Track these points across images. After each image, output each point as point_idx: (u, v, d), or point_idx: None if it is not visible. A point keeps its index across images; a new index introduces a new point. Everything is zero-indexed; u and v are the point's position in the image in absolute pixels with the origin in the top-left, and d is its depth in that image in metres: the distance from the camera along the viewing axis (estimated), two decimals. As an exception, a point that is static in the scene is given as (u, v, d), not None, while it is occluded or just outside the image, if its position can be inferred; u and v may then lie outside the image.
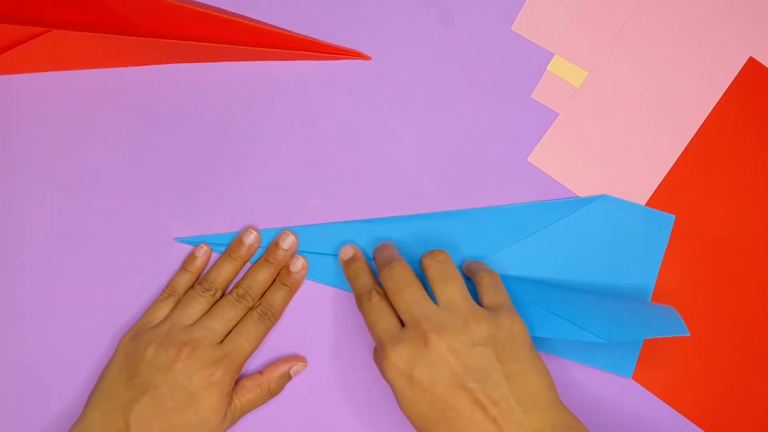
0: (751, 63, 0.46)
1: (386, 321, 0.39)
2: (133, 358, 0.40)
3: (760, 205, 0.45)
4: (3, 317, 0.45)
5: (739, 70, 0.46)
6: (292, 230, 0.44)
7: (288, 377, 0.43)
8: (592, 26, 0.46)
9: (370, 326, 0.39)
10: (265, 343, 0.44)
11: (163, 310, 0.43)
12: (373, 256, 0.43)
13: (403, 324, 0.38)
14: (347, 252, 0.44)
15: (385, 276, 0.40)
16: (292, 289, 0.44)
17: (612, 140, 0.46)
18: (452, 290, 0.38)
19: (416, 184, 0.46)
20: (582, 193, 0.46)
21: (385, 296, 0.40)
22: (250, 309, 0.43)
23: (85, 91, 0.46)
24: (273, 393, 0.43)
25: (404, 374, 0.36)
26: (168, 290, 0.43)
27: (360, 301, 0.41)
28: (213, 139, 0.46)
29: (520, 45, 0.47)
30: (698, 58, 0.46)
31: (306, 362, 0.44)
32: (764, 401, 0.44)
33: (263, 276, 0.43)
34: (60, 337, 0.44)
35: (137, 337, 0.41)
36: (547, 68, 0.46)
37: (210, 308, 0.42)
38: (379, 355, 0.38)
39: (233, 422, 0.42)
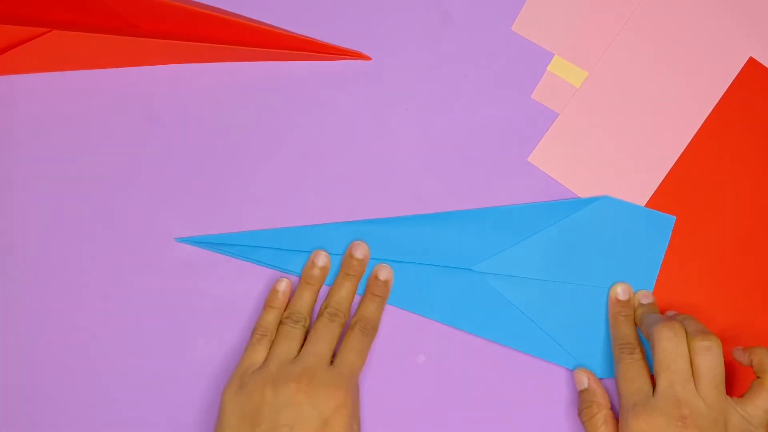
0: (751, 63, 0.46)
1: (643, 382, 0.40)
2: (249, 406, 0.39)
3: (760, 205, 0.45)
4: (3, 317, 0.44)
5: (739, 70, 0.46)
6: (362, 240, 0.44)
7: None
8: (592, 26, 0.46)
9: (625, 381, 0.41)
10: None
11: (261, 353, 0.42)
12: (643, 319, 0.43)
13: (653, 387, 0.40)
14: (624, 293, 0.44)
15: (665, 334, 0.40)
16: (384, 299, 0.44)
17: (612, 140, 0.46)
18: (717, 391, 0.39)
19: (416, 184, 0.46)
20: (582, 193, 0.46)
21: (644, 354, 0.42)
22: (350, 327, 0.42)
23: (85, 91, 0.46)
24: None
25: None
26: (260, 332, 0.42)
27: (621, 350, 0.42)
28: (213, 139, 0.46)
29: (520, 45, 0.47)
30: (698, 58, 0.46)
31: None
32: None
33: (347, 290, 0.43)
34: (60, 337, 0.44)
35: (246, 385, 0.40)
36: (547, 68, 0.46)
37: (306, 337, 0.42)
38: (624, 411, 0.40)
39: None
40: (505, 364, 0.44)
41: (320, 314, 0.43)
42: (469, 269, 0.45)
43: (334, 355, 0.42)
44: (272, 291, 0.44)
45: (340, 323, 0.42)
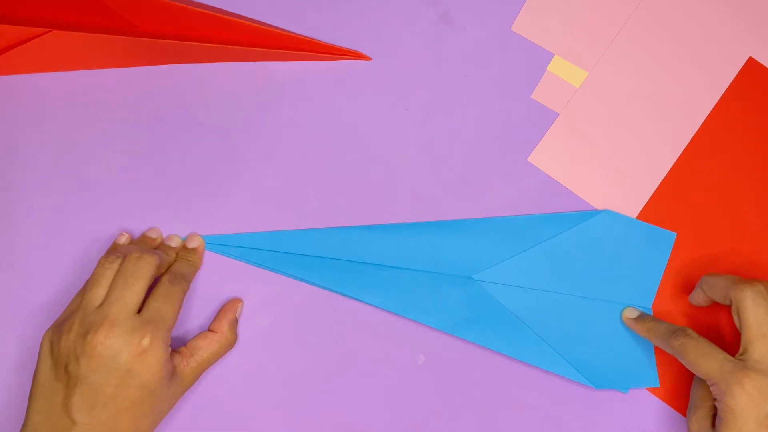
0: (751, 63, 0.46)
1: (717, 354, 0.38)
2: (56, 352, 0.38)
3: (760, 203, 0.45)
4: (3, 317, 0.44)
5: (738, 70, 0.46)
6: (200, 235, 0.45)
7: (236, 321, 0.44)
8: (592, 26, 0.46)
9: (696, 361, 0.38)
10: (266, 336, 0.44)
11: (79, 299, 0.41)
12: (708, 282, 0.41)
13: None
14: (633, 312, 0.44)
15: (749, 296, 0.38)
16: (194, 264, 0.44)
17: (612, 140, 0.46)
18: None
19: (416, 184, 0.46)
20: (582, 193, 0.46)
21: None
22: (159, 281, 0.41)
23: (85, 91, 0.46)
24: (230, 343, 0.43)
25: (758, 405, 0.36)
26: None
27: (674, 338, 0.40)
28: (213, 139, 0.46)
29: (520, 45, 0.47)
30: (698, 58, 0.46)
31: (241, 300, 0.44)
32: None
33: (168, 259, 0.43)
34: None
35: (60, 328, 0.39)
36: (547, 68, 0.46)
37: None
38: (719, 389, 0.37)
39: (193, 380, 0.41)
40: (505, 365, 0.44)
41: (127, 256, 0.40)
42: (469, 277, 0.44)
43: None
44: (113, 244, 0.44)
45: (147, 267, 0.39)
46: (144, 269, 0.39)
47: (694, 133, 0.46)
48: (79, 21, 0.45)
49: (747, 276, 0.41)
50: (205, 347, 0.42)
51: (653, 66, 0.46)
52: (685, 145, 0.46)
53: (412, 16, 0.47)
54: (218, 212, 0.45)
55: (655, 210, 0.45)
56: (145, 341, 0.38)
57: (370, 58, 0.47)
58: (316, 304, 0.45)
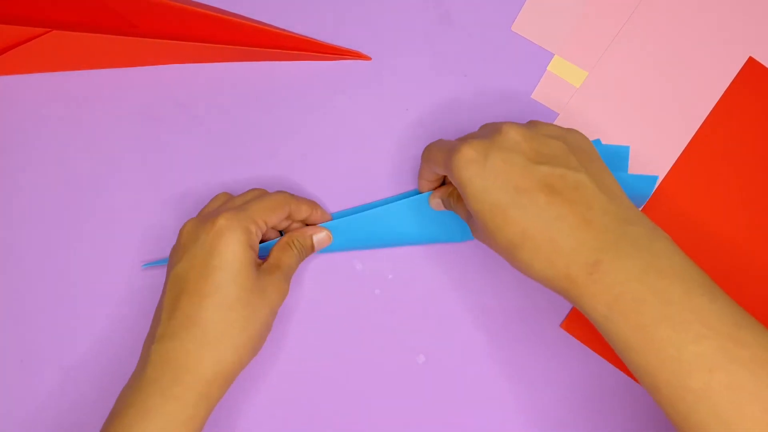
0: (751, 63, 0.46)
1: (447, 141, 0.38)
2: (180, 239, 0.39)
3: (760, 204, 0.45)
4: (3, 317, 0.44)
5: (738, 70, 0.46)
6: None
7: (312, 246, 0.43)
8: (592, 26, 0.47)
9: (434, 149, 0.39)
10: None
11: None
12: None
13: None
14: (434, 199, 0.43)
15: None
16: (311, 207, 0.43)
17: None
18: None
19: (416, 185, 0.46)
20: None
21: None
22: None
23: (85, 91, 0.46)
24: (308, 253, 0.43)
25: (476, 162, 0.34)
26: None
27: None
28: (213, 139, 0.46)
29: (520, 45, 0.47)
30: (698, 57, 0.46)
31: (329, 235, 0.43)
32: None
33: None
34: (60, 336, 0.44)
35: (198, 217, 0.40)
36: (547, 68, 0.46)
37: None
38: (449, 156, 0.35)
39: (280, 291, 0.39)
40: (504, 363, 0.44)
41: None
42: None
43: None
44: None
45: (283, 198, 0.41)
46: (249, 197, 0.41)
47: (694, 133, 0.46)
48: (79, 21, 0.45)
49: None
50: (288, 260, 0.41)
51: (653, 66, 0.46)
52: (685, 145, 0.46)
53: (412, 16, 0.47)
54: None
55: (656, 209, 0.45)
56: (221, 220, 0.37)
57: (370, 58, 0.47)
58: (316, 303, 0.45)
